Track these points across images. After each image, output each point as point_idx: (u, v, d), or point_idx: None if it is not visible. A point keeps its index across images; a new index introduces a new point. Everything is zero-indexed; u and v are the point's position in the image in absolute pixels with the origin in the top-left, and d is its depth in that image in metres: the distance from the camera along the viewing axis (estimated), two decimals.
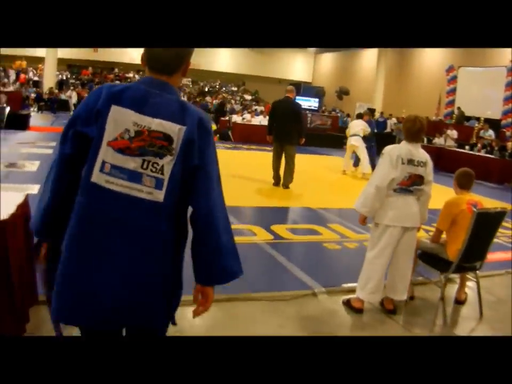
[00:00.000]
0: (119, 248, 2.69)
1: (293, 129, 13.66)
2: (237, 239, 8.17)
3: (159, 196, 2.70)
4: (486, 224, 6.11)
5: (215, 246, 2.90)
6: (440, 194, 6.78)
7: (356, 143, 17.59)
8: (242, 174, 15.91)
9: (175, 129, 2.70)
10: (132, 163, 2.68)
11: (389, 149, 5.88)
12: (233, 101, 48.59)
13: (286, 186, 13.88)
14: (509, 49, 30.61)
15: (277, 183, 14.16)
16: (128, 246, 2.70)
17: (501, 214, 6.25)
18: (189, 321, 5.20)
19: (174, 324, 3.09)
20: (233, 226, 8.52)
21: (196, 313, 2.97)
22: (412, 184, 5.84)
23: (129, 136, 2.67)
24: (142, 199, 2.69)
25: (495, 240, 10.07)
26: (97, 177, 2.67)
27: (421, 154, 5.96)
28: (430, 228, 8.91)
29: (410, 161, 5.79)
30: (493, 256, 8.99)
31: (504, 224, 11.57)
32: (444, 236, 6.43)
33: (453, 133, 26.26)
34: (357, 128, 17.82)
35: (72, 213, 2.74)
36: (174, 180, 2.73)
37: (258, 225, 9.63)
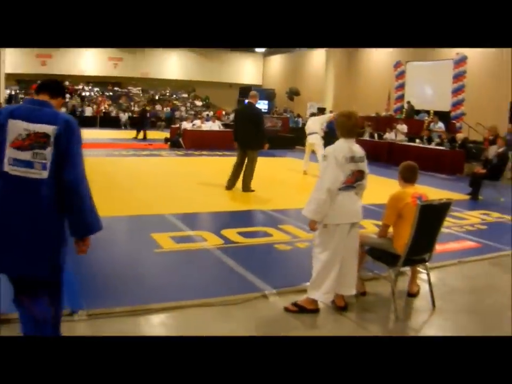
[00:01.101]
0: (21, 211, 3.98)
1: (253, 134, 13.63)
2: (187, 245, 8.13)
3: (44, 174, 3.99)
4: (431, 216, 6.12)
5: (80, 208, 4.25)
6: (391, 188, 6.73)
7: (313, 141, 17.65)
8: (195, 180, 15.82)
9: (50, 129, 3.99)
10: (26, 155, 3.96)
11: (331, 150, 5.82)
12: (183, 108, 48.52)
13: (246, 188, 13.93)
14: None
15: (229, 186, 14.17)
16: (29, 207, 3.99)
17: (445, 205, 6.27)
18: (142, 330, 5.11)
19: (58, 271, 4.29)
20: (184, 233, 8.50)
21: (80, 253, 4.49)
22: (355, 181, 5.86)
23: (22, 138, 3.96)
24: (35, 178, 3.98)
25: (448, 230, 10.29)
26: (6, 167, 3.96)
27: (358, 149, 5.97)
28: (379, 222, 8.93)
29: (352, 159, 5.80)
30: (445, 246, 9.09)
31: (456, 214, 11.84)
32: (390, 230, 6.41)
33: (403, 127, 26.44)
34: (313, 125, 17.82)
35: None
36: (53, 162, 3.99)
37: (209, 231, 9.57)
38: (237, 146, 14.30)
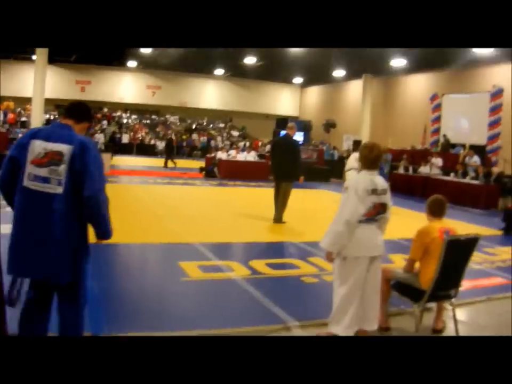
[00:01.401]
0: (39, 221, 4.43)
1: (289, 166, 13.62)
2: (214, 275, 8.13)
3: (59, 189, 4.41)
4: (457, 252, 6.03)
5: (98, 220, 4.64)
6: (424, 223, 6.63)
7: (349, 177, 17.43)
8: (226, 210, 15.89)
9: (65, 148, 4.41)
10: (44, 172, 4.40)
11: (353, 182, 5.77)
12: (219, 138, 48.68)
13: (277, 220, 13.87)
14: (491, 75, 30.81)
15: (276, 222, 14.06)
16: (44, 220, 4.42)
17: (473, 240, 6.17)
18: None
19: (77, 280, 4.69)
20: (211, 263, 8.51)
21: (98, 242, 4.88)
22: (377, 214, 5.74)
23: (40, 156, 4.40)
24: (51, 193, 4.41)
25: (479, 266, 10.14)
26: (27, 182, 4.42)
27: (381, 181, 5.87)
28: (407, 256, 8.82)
29: (374, 191, 5.70)
30: (475, 282, 8.94)
31: (488, 249, 11.67)
32: (417, 265, 6.33)
33: (438, 161, 26.28)
34: (351, 161, 17.63)
35: (15, 203, 4.51)
36: (67, 179, 4.40)
37: (237, 261, 9.56)
38: (274, 178, 14.31)
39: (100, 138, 39.37)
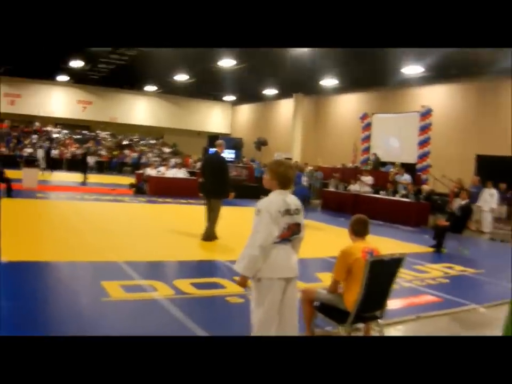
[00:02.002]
0: None
1: (217, 183, 13.61)
2: (136, 295, 7.92)
3: None
4: (382, 272, 5.94)
5: None
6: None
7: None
8: (154, 227, 15.71)
9: None
10: None
11: (265, 205, 5.41)
12: (150, 154, 48.43)
13: (206, 237, 13.83)
14: (420, 95, 31.50)
15: (205, 239, 13.97)
16: None
17: (397, 260, 6.09)
18: None
19: None
20: (135, 282, 8.29)
21: None
22: (291, 234, 5.51)
23: None
24: None
25: (409, 284, 10.20)
26: None
27: (293, 200, 5.60)
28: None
29: (287, 211, 5.44)
30: (405, 301, 8.97)
31: (418, 267, 11.79)
32: (342, 285, 6.23)
33: (368, 179, 26.58)
34: None
35: None
36: None
37: (161, 280, 9.32)
38: (202, 194, 14.30)
39: (40, 153, 38.81)
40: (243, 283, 5.55)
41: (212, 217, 13.78)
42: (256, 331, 5.60)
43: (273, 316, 5.53)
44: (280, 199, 5.43)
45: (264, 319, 5.53)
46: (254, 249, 5.27)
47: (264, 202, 5.41)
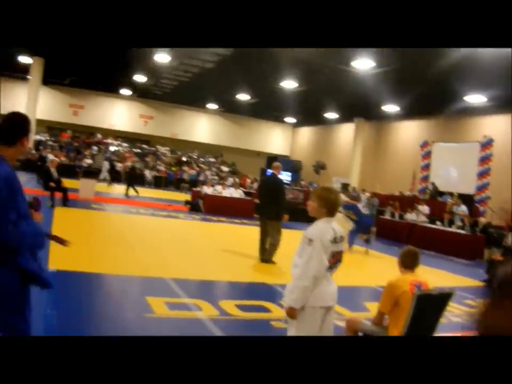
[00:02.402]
0: None
1: (272, 204, 13.61)
2: (180, 313, 7.86)
3: None
4: (429, 306, 5.77)
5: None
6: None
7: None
8: (206, 246, 15.74)
9: None
10: None
11: (317, 234, 5.23)
12: (208, 172, 48.62)
13: (265, 259, 13.81)
14: (482, 124, 30.99)
15: (262, 260, 14.03)
16: None
17: (445, 295, 5.92)
18: None
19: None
20: (180, 300, 8.22)
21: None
22: (335, 262, 5.38)
23: None
24: None
25: (457, 319, 9.97)
26: None
27: (338, 228, 5.48)
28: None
29: (334, 240, 5.29)
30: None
31: (468, 302, 11.54)
32: (386, 317, 6.08)
33: (424, 208, 26.30)
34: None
35: None
36: None
37: (207, 300, 9.24)
38: (259, 217, 14.53)
39: (105, 165, 39.54)
40: (294, 315, 5.34)
41: (271, 240, 13.80)
42: None
43: None
44: (329, 228, 5.29)
45: None
46: (307, 280, 5.15)
47: (315, 231, 5.23)
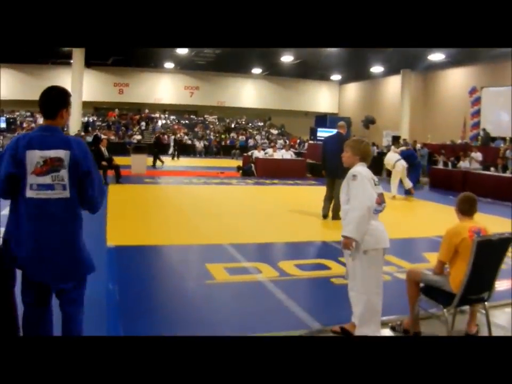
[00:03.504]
0: (54, 227, 4.36)
1: (340, 163, 13.62)
2: (240, 277, 7.93)
3: (66, 193, 4.36)
4: (490, 253, 5.69)
5: (97, 208, 4.72)
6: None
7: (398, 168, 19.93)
8: (262, 209, 15.86)
9: (63, 154, 4.31)
10: (47, 180, 4.29)
11: (360, 171, 5.63)
12: (258, 137, 48.62)
13: (336, 216, 13.75)
14: None
15: (325, 215, 14.33)
16: (58, 224, 4.37)
17: (506, 240, 5.83)
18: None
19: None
20: (239, 265, 8.33)
21: None
22: (381, 203, 5.68)
23: (40, 165, 4.26)
24: (58, 198, 4.34)
25: None
26: (30, 193, 4.28)
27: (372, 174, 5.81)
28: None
29: (373, 181, 5.68)
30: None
31: None
32: (447, 266, 6.03)
33: (477, 155, 25.94)
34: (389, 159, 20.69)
35: (17, 213, 4.38)
36: (71, 182, 4.36)
37: (266, 262, 9.28)
38: (325, 175, 14.62)
39: (171, 140, 40.24)
40: (349, 244, 5.53)
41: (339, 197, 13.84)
42: (365, 306, 5.56)
43: (381, 287, 5.69)
44: (367, 170, 5.67)
45: (376, 291, 5.62)
46: (361, 210, 5.40)
47: (358, 169, 5.61)
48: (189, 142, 46.47)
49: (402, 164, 19.96)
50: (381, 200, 5.64)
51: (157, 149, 31.82)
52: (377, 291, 5.65)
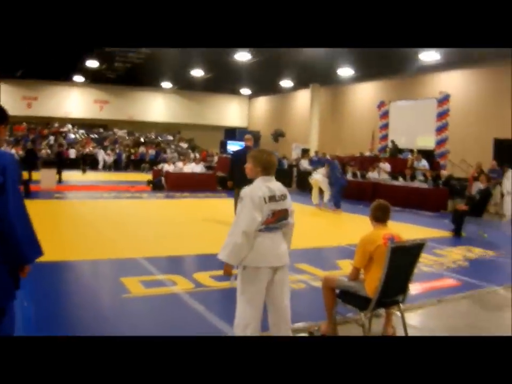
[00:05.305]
0: None
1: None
2: (156, 290, 7.85)
3: None
4: (403, 258, 5.87)
5: (14, 242, 4.10)
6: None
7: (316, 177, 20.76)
8: (172, 222, 15.84)
9: None
10: None
11: (248, 191, 5.43)
12: (168, 150, 48.49)
13: None
14: (437, 81, 31.28)
15: None
16: None
17: (417, 246, 6.00)
18: None
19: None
20: (154, 277, 8.21)
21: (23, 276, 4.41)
22: (277, 221, 5.45)
23: None
24: None
25: (429, 268, 10.19)
26: None
27: (278, 186, 5.58)
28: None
29: (272, 198, 5.42)
30: (425, 285, 8.97)
31: (438, 251, 11.76)
32: (362, 272, 6.16)
33: (386, 166, 26.64)
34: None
35: None
36: None
37: (181, 274, 9.31)
38: (233, 186, 14.71)
39: (101, 154, 39.80)
40: (228, 271, 5.50)
41: None
42: (237, 318, 5.52)
43: (256, 306, 5.42)
44: (263, 186, 5.41)
45: (246, 308, 5.43)
46: (237, 236, 5.23)
47: (247, 189, 5.40)
48: (98, 156, 45.93)
49: (317, 175, 20.85)
50: (277, 218, 5.45)
51: (59, 163, 30.79)
52: (254, 306, 5.46)
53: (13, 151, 32.50)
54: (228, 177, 15.26)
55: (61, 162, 31.27)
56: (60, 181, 28.77)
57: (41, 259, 9.58)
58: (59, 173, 29.21)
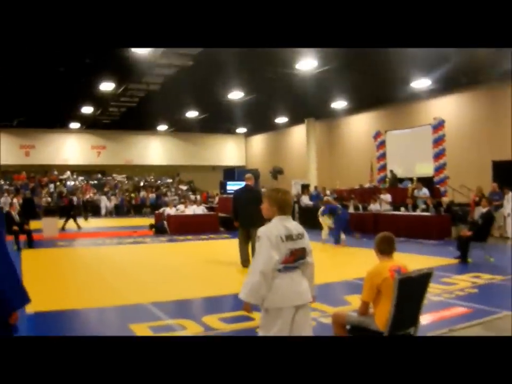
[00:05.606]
0: None
1: (255, 213, 13.81)
2: (166, 335, 7.80)
3: None
4: (411, 289, 5.83)
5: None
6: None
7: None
8: (177, 266, 15.83)
9: None
10: None
11: (264, 231, 5.42)
12: (169, 193, 48.53)
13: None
14: (431, 107, 31.42)
15: (245, 261, 14.74)
16: None
17: (425, 276, 5.98)
18: None
19: None
20: (163, 322, 8.16)
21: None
22: (295, 260, 5.43)
23: None
24: None
25: (438, 298, 10.11)
26: None
27: (295, 226, 5.57)
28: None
29: (289, 237, 5.39)
30: (435, 315, 8.92)
31: (446, 280, 11.69)
32: (371, 306, 6.13)
33: (386, 197, 26.57)
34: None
35: None
36: None
37: (189, 318, 9.25)
38: (238, 226, 15.12)
39: (104, 200, 41.12)
40: (247, 309, 5.54)
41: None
42: None
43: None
44: (280, 225, 5.41)
45: None
46: (255, 275, 5.24)
47: (264, 228, 5.40)
48: (101, 202, 45.95)
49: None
50: (295, 257, 5.43)
51: (66, 210, 31.44)
52: None
53: (15, 200, 32.49)
54: (233, 217, 15.56)
55: (71, 209, 31.69)
56: (63, 228, 28.84)
57: (48, 308, 9.53)
58: (74, 218, 29.96)
